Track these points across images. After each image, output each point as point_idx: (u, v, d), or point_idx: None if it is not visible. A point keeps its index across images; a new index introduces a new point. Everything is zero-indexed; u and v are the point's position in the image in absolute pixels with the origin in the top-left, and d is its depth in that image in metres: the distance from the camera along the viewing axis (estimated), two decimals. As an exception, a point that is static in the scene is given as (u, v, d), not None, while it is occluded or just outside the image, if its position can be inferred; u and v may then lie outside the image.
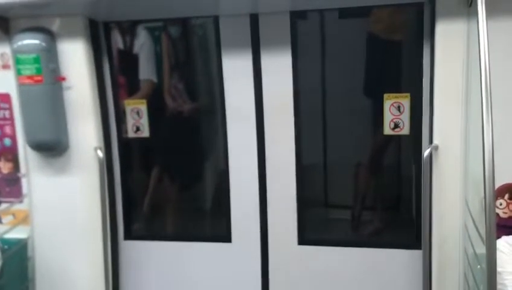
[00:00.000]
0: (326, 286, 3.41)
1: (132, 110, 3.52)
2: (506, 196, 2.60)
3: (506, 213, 2.60)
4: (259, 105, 3.29)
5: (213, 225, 3.80)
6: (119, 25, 3.46)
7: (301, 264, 3.41)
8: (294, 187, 3.34)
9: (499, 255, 2.12)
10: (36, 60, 3.05)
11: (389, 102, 3.14)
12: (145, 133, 3.54)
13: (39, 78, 3.07)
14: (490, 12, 2.13)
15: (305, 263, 3.41)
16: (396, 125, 3.15)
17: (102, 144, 3.37)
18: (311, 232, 3.42)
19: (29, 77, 3.07)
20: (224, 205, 3.47)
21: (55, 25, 3.17)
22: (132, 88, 3.58)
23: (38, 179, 3.37)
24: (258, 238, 3.44)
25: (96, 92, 3.31)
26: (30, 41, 3.08)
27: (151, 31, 3.54)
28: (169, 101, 3.61)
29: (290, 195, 3.35)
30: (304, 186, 3.37)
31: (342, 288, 3.39)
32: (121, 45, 3.51)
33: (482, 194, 1.88)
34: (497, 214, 2.57)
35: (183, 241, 3.60)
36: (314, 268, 3.40)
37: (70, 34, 3.17)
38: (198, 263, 3.57)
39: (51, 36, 3.14)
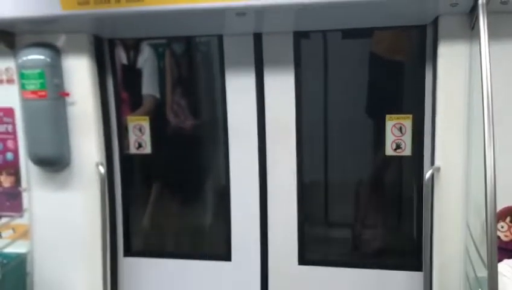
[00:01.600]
0: (326, 306, 3.39)
1: (135, 126, 3.53)
2: (508, 219, 2.59)
3: (507, 236, 2.59)
4: (261, 123, 3.30)
5: (213, 243, 3.78)
6: (124, 41, 3.48)
7: (301, 284, 3.39)
8: (295, 206, 3.33)
9: (500, 278, 2.11)
10: (40, 75, 3.07)
11: (391, 123, 3.15)
12: (147, 149, 3.54)
13: (43, 93, 3.08)
14: (492, 35, 2.15)
15: (305, 284, 3.38)
16: (398, 146, 3.15)
17: (104, 160, 3.37)
18: (311, 252, 3.40)
19: (33, 92, 3.08)
20: (224, 223, 3.47)
21: (60, 41, 3.19)
22: (135, 104, 3.60)
23: (39, 193, 3.37)
24: (258, 258, 3.42)
25: (99, 108, 3.33)
26: (35, 56, 3.10)
27: (155, 47, 3.56)
28: (171, 118, 3.62)
29: (291, 214, 3.34)
30: (305, 206, 3.36)
31: (341, 309, 3.36)
32: (125, 61, 3.53)
33: (484, 217, 1.88)
34: (499, 237, 2.56)
35: (183, 259, 3.58)
36: (314, 289, 3.38)
37: (75, 50, 3.19)
38: (197, 281, 3.55)
39: (55, 52, 3.16)
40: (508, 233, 2.59)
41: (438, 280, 2.92)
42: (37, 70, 3.06)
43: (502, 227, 2.59)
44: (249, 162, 3.35)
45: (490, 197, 1.81)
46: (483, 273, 2.14)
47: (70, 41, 3.19)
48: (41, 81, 3.06)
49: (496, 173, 1.82)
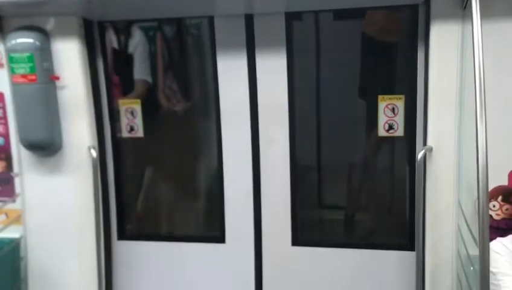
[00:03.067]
0: (319, 287, 3.41)
1: (126, 109, 3.51)
2: (500, 198, 2.60)
3: (499, 215, 2.61)
4: (253, 105, 3.29)
5: (207, 225, 3.79)
6: (114, 24, 3.44)
7: (295, 265, 3.41)
8: (288, 188, 3.34)
9: (493, 256, 2.13)
10: (30, 59, 3.04)
11: (383, 104, 3.15)
12: (139, 132, 3.53)
13: (33, 77, 3.06)
14: (485, 14, 2.14)
15: (298, 264, 3.41)
16: (390, 127, 3.16)
17: (96, 144, 3.36)
18: (304, 233, 3.42)
19: (23, 76, 3.06)
20: (218, 206, 3.47)
21: (49, 24, 3.15)
22: (126, 88, 3.57)
23: (31, 178, 3.36)
24: (252, 239, 3.44)
25: (90, 91, 3.30)
26: (24, 40, 3.06)
27: (145, 30, 3.52)
28: (163, 101, 3.60)
29: (284, 196, 3.35)
30: (298, 187, 3.37)
31: (335, 289, 3.39)
32: (115, 45, 3.50)
33: (476, 196, 1.89)
34: (490, 216, 2.58)
35: (177, 242, 3.59)
36: (308, 269, 3.40)
37: (65, 33, 3.16)
38: (192, 263, 3.57)
39: (45, 35, 3.13)
40: (499, 212, 2.61)
41: (430, 259, 2.95)
42: (26, 54, 3.03)
43: (494, 206, 2.61)
44: (241, 144, 3.35)
45: (482, 176, 1.82)
46: (475, 251, 2.16)
47: (59, 24, 3.15)
48: (30, 65, 3.03)
49: (488, 152, 1.83)
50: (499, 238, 2.35)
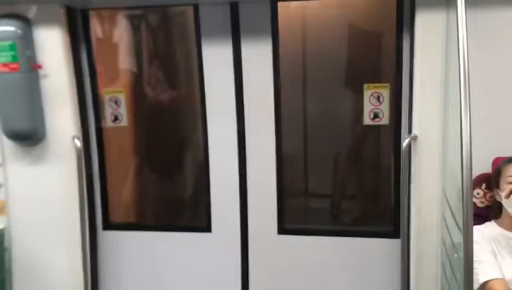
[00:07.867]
0: (305, 275, 3.43)
1: (110, 99, 3.48)
2: (483, 186, 2.63)
3: (483, 203, 2.63)
4: (239, 94, 3.28)
5: (193, 214, 3.79)
6: (97, 12, 3.40)
7: (281, 253, 3.42)
8: (274, 177, 3.35)
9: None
10: (12, 48, 2.99)
11: (369, 92, 3.15)
12: (124, 122, 3.50)
13: (15, 66, 3.01)
14: (469, 3, 2.14)
15: (284, 253, 3.42)
16: (375, 115, 3.17)
17: (79, 133, 3.33)
18: (290, 222, 3.43)
19: (5, 65, 3.01)
20: (204, 195, 3.47)
21: (31, 12, 3.10)
22: (111, 77, 3.54)
23: (14, 168, 3.32)
24: (238, 228, 3.44)
25: (73, 80, 3.27)
26: (5, 28, 3.01)
27: (130, 19, 3.49)
28: (148, 91, 3.58)
29: (270, 185, 3.36)
30: (284, 176, 3.37)
31: (321, 277, 3.41)
32: (99, 33, 3.46)
33: (460, 184, 1.90)
34: (474, 204, 2.60)
35: (163, 232, 3.59)
36: (294, 258, 3.42)
37: (47, 21, 3.11)
38: (178, 253, 3.56)
39: (27, 23, 3.07)
40: (483, 199, 2.63)
41: (415, 246, 2.97)
42: (8, 42, 2.98)
43: (478, 194, 2.63)
44: (227, 133, 3.34)
45: (466, 164, 1.82)
46: (459, 239, 2.17)
47: (41, 12, 3.10)
48: (12, 53, 2.99)
49: (472, 140, 1.84)
50: (475, 226, 2.37)
